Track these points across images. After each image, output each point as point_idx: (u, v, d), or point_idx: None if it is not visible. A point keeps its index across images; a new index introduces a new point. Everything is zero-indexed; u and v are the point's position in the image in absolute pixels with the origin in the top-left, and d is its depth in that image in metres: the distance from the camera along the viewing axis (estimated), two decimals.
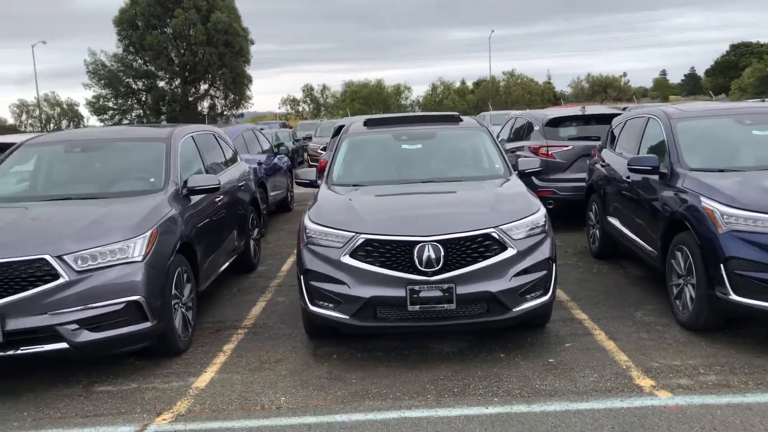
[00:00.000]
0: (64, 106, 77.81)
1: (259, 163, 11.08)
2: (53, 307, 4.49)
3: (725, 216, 4.90)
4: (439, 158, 6.56)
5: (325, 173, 6.35)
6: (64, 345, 4.52)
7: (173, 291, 5.19)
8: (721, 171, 5.60)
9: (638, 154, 6.82)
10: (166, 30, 49.06)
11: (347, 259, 4.83)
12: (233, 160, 8.27)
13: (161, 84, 51.49)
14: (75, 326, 4.53)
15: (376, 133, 6.90)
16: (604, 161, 7.90)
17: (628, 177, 6.79)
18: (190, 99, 52.14)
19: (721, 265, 4.83)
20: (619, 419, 3.91)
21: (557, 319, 5.73)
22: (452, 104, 65.31)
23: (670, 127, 6.24)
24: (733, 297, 4.79)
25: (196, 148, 6.96)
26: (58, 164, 6.38)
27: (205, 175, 6.38)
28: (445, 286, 4.67)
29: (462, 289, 4.68)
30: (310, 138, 26.22)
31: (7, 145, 6.77)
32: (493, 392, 4.39)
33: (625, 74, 79.94)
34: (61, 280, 4.52)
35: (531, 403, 4.17)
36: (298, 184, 6.66)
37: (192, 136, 6.96)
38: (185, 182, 5.98)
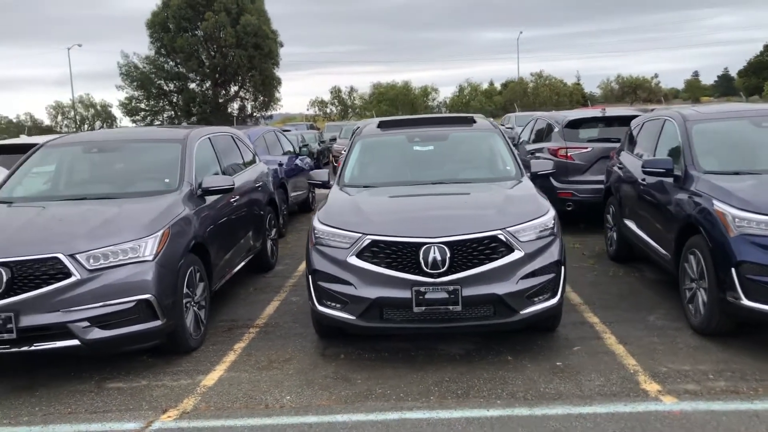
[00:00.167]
0: (98, 108, 79.34)
1: (280, 164, 11.17)
2: (65, 305, 4.60)
3: (737, 219, 4.82)
4: (451, 160, 6.56)
5: (337, 174, 6.39)
6: (75, 342, 4.63)
7: (185, 290, 5.27)
8: (737, 174, 5.51)
9: (654, 156, 6.74)
10: (196, 33, 49.59)
11: (354, 260, 4.86)
12: (251, 162, 8.36)
13: (192, 86, 52.06)
14: (86, 324, 4.63)
15: (388, 135, 6.93)
16: (621, 163, 7.82)
17: (643, 179, 6.71)
18: (221, 101, 52.63)
19: (733, 269, 4.75)
20: (621, 424, 3.87)
21: (568, 323, 5.68)
22: (479, 105, 64.98)
23: (685, 129, 6.15)
24: (745, 302, 4.71)
25: (213, 149, 7.06)
26: (77, 165, 6.53)
27: (220, 176, 6.46)
28: (451, 287, 4.66)
29: (468, 291, 4.68)
30: (334, 139, 26.34)
31: (30, 146, 6.94)
32: (496, 395, 4.38)
33: (656, 75, 78.80)
34: (73, 279, 4.63)
35: (533, 407, 4.15)
36: (311, 184, 6.71)
37: (209, 138, 7.06)
38: (200, 183, 6.07)
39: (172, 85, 52.46)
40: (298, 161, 12.81)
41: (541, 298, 4.89)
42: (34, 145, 6.85)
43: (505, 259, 4.79)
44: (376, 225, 4.94)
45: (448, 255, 4.69)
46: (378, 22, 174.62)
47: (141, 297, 4.79)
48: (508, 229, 4.85)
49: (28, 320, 4.55)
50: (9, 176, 6.18)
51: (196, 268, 5.53)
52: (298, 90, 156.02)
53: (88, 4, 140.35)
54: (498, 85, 77.32)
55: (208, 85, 52.44)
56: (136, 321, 4.81)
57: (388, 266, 4.78)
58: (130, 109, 52.42)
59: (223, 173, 6.90)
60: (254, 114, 54.19)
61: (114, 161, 6.49)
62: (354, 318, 4.84)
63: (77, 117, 74.75)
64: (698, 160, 5.79)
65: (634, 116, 9.07)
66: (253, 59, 49.14)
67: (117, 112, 61.70)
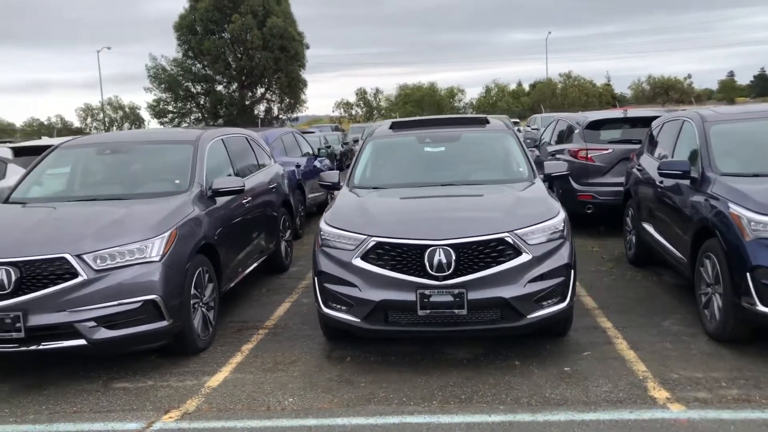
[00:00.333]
0: (127, 110, 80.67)
1: (297, 166, 11.19)
2: (72, 305, 4.64)
3: (752, 223, 4.68)
4: (462, 161, 6.48)
5: (347, 176, 6.36)
6: (82, 341, 4.67)
7: (193, 291, 5.28)
8: (756, 176, 5.36)
9: (672, 157, 6.59)
10: (223, 35, 50.05)
11: (359, 262, 4.82)
12: (266, 163, 8.38)
13: (219, 88, 52.57)
14: (93, 323, 4.66)
15: (399, 136, 6.88)
16: (640, 165, 7.67)
17: (661, 182, 6.57)
18: (247, 103, 53.04)
19: (748, 274, 4.62)
20: (624, 431, 3.77)
21: (580, 327, 5.58)
22: (506, 106, 64.62)
23: (703, 130, 6.00)
24: (760, 308, 4.58)
25: (226, 151, 7.08)
26: (90, 166, 6.60)
27: (231, 178, 6.47)
28: (456, 291, 4.60)
29: (473, 295, 4.61)
30: (357, 141, 26.40)
31: (45, 148, 7.04)
32: (500, 400, 4.30)
33: (689, 76, 77.47)
34: (80, 279, 4.67)
35: (536, 413, 4.07)
36: (321, 186, 6.69)
37: (222, 139, 7.08)
38: (211, 184, 6.08)
39: (199, 87, 53.03)
40: (316, 163, 12.82)
41: (549, 302, 4.80)
42: (48, 146, 6.95)
43: (513, 262, 4.71)
44: (381, 227, 4.90)
45: (454, 257, 4.63)
46: (404, 24, 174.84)
47: (147, 297, 4.81)
48: (515, 231, 4.77)
49: (35, 320, 4.60)
50: (24, 177, 6.27)
51: (205, 269, 5.54)
52: (324, 92, 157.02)
53: (118, 7, 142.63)
54: (526, 86, 76.89)
55: (234, 87, 52.89)
56: (142, 321, 4.83)
57: (393, 268, 4.74)
58: (157, 111, 53.10)
59: (236, 175, 6.91)
60: (280, 116, 54.51)
61: (126, 162, 6.55)
62: (359, 320, 4.81)
63: (106, 119, 75.98)
64: (716, 161, 5.64)
65: (656, 117, 8.90)
66: (279, 61, 49.42)
67: (145, 114, 62.54)
